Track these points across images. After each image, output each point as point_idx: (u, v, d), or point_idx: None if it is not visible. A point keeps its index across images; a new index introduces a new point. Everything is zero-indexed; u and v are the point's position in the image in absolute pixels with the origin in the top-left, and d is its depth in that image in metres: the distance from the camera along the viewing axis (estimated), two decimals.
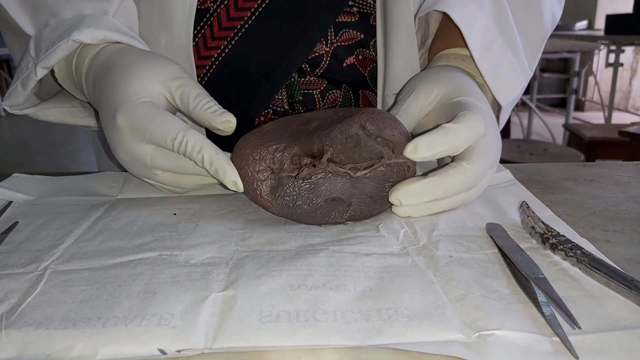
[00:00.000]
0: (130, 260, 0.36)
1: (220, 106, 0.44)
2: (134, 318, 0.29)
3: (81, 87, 0.50)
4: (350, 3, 0.56)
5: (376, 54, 0.58)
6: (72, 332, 0.28)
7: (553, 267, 0.34)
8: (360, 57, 0.58)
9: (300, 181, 0.40)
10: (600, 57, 4.60)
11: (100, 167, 0.71)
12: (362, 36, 0.58)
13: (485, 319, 0.28)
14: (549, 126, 3.28)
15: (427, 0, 0.56)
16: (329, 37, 0.56)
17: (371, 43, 0.58)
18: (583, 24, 4.43)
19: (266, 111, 0.57)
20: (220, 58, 0.55)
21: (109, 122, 0.44)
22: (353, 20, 0.57)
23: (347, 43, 0.57)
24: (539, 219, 0.38)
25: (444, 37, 0.56)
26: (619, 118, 4.34)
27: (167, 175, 0.45)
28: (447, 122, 0.40)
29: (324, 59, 0.57)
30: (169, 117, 0.41)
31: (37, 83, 0.52)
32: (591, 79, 4.73)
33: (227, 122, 0.43)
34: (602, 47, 3.67)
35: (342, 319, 0.28)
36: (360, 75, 0.59)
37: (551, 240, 0.36)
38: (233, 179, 0.40)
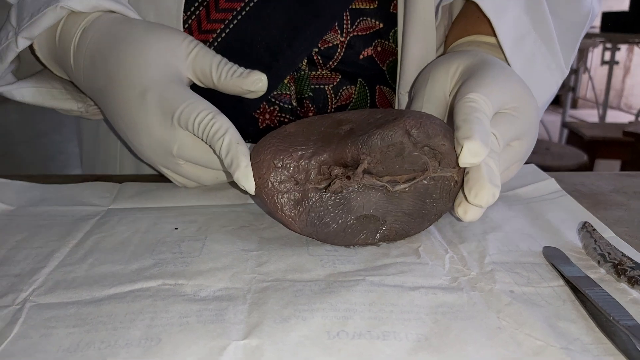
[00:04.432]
0: (128, 291, 0.30)
1: (243, 67, 0.41)
2: None
3: (66, 62, 0.44)
4: None
5: (396, 46, 0.52)
6: None
7: (634, 305, 0.29)
8: (379, 48, 0.52)
9: (329, 195, 0.34)
10: (594, 55, 4.57)
11: (82, 160, 0.64)
12: (382, 25, 0.51)
13: None
14: (545, 124, 3.24)
15: None
16: (344, 26, 0.50)
17: (391, 33, 0.52)
18: None
19: (272, 108, 0.51)
20: (216, 43, 0.48)
21: (135, 101, 0.39)
22: (372, 7, 0.50)
23: (364, 33, 0.51)
24: (608, 244, 0.33)
25: (463, 22, 0.50)
26: (612, 116, 4.33)
27: (189, 167, 0.42)
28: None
29: (339, 50, 0.50)
30: (200, 99, 0.39)
31: (16, 58, 0.45)
32: (584, 77, 4.70)
33: (257, 81, 0.41)
34: (599, 44, 3.64)
35: None
36: (378, 69, 0.53)
37: (629, 272, 0.30)
38: (243, 177, 0.34)
